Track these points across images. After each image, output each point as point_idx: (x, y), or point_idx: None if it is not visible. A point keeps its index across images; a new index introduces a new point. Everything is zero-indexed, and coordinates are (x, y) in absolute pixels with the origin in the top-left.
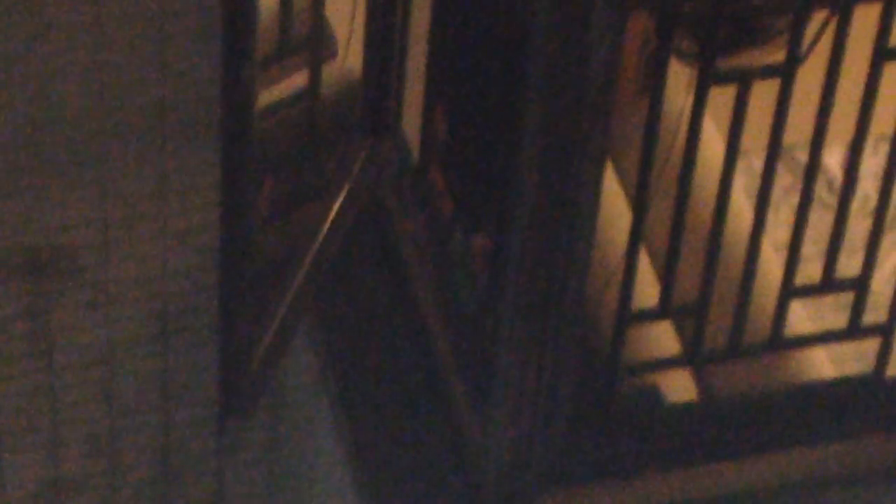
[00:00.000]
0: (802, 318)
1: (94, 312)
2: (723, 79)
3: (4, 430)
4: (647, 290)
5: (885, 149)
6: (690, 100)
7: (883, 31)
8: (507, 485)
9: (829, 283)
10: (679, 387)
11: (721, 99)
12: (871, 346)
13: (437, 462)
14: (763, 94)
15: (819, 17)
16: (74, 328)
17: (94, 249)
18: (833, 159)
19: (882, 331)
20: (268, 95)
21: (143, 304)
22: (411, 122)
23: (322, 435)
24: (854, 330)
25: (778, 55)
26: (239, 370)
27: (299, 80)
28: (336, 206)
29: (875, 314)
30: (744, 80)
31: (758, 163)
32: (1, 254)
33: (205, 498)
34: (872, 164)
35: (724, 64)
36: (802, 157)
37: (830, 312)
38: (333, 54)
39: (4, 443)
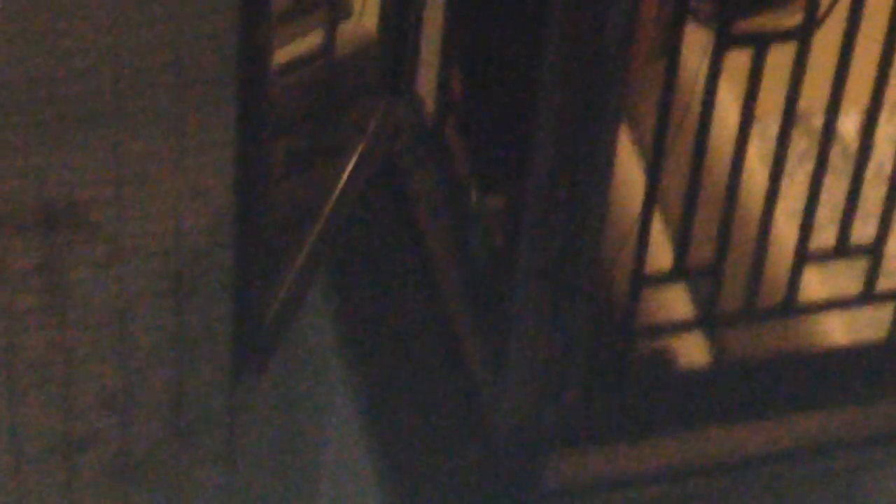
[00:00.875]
0: (816, 283)
1: (107, 269)
2: (739, 42)
3: (17, 385)
4: (662, 253)
5: None
6: (707, 62)
7: None
8: (520, 444)
9: (843, 249)
10: (692, 350)
11: (737, 62)
12: (884, 312)
13: (451, 421)
14: (779, 59)
15: None
16: (88, 284)
17: (108, 205)
18: (848, 125)
19: None
20: (284, 54)
21: (157, 261)
22: (427, 82)
23: (336, 394)
24: (868, 296)
25: (795, 19)
26: (252, 328)
27: (315, 38)
28: (351, 165)
29: (889, 281)
30: (760, 44)
31: (773, 128)
32: (15, 208)
33: (217, 455)
34: (888, 131)
35: (741, 27)
36: (818, 122)
37: (844, 279)
38: (349, 13)
39: (17, 397)
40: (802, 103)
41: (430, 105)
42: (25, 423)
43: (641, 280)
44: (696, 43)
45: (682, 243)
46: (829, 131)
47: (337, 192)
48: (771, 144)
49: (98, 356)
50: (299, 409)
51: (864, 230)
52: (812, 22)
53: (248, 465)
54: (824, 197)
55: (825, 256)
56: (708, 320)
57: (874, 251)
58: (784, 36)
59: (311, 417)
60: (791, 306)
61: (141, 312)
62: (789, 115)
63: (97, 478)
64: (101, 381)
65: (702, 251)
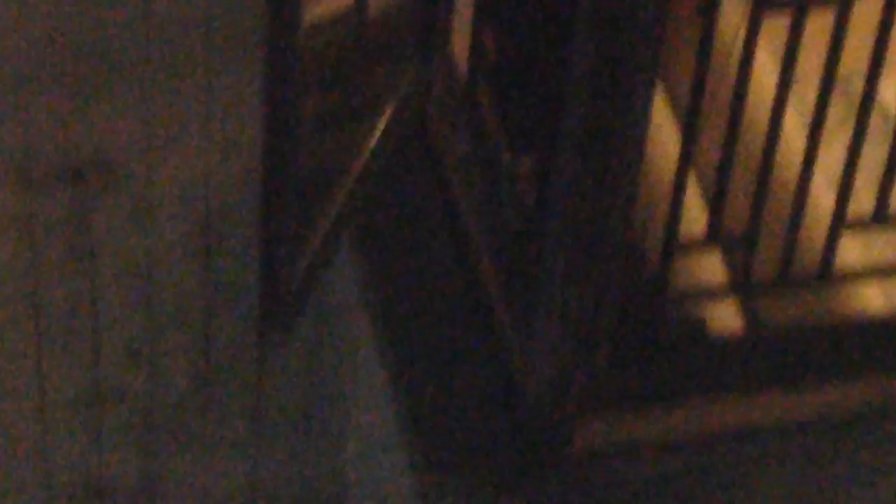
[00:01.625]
0: (853, 251)
1: (136, 223)
2: (778, 5)
3: (45, 339)
4: (695, 219)
5: None
6: (745, 25)
7: None
8: (548, 410)
9: (881, 217)
10: (726, 316)
11: (777, 23)
12: None
13: (480, 383)
14: (820, 21)
15: None
16: (116, 238)
17: (137, 159)
18: (889, 90)
19: None
20: (315, 10)
21: (185, 216)
22: (461, 41)
23: (363, 354)
24: None
25: None
26: (280, 284)
27: None
28: (383, 123)
29: None
30: (800, 7)
31: (812, 92)
32: (45, 161)
33: (243, 411)
34: None
35: None
36: (858, 87)
37: (882, 246)
38: None
39: (44, 350)
40: (842, 67)
41: (463, 65)
42: (51, 376)
43: (674, 247)
44: (735, 2)
45: (716, 209)
46: (868, 96)
47: (367, 151)
48: (809, 109)
49: (125, 310)
50: (326, 367)
51: None
52: None
53: (274, 421)
54: (863, 163)
55: (863, 223)
56: (741, 287)
57: None
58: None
59: (337, 375)
60: (827, 274)
61: (168, 267)
62: (828, 80)
63: (123, 430)
64: (127, 335)
65: (738, 214)
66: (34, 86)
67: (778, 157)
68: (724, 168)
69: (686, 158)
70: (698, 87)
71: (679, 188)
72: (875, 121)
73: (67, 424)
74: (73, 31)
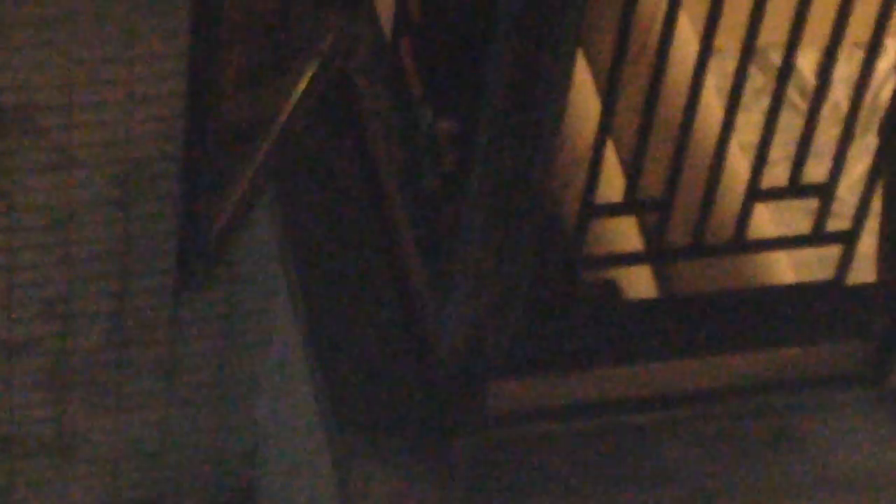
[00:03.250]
0: (767, 221)
1: (54, 175)
2: None
3: None
4: (614, 185)
5: (859, 56)
6: None
7: None
8: (461, 370)
9: (795, 188)
10: (639, 282)
11: None
12: (833, 252)
13: (393, 345)
14: None
15: None
16: (34, 189)
17: (57, 111)
18: (807, 63)
19: (845, 238)
20: None
21: (104, 170)
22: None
23: (278, 310)
24: (817, 236)
25: None
26: (197, 241)
27: None
28: (305, 81)
29: (839, 221)
30: None
31: (731, 62)
32: None
33: (157, 367)
34: (845, 71)
35: None
36: (776, 58)
37: (795, 217)
38: None
39: None
40: (761, 38)
41: (387, 24)
42: None
43: (591, 210)
44: None
45: (633, 176)
46: (786, 68)
47: (289, 107)
48: (728, 78)
49: (41, 263)
50: (240, 324)
51: (816, 170)
52: None
53: (187, 377)
54: (779, 134)
55: (777, 194)
56: (655, 254)
57: (825, 191)
58: None
59: (252, 333)
60: (740, 243)
61: (86, 220)
62: (747, 51)
63: (34, 382)
64: (42, 288)
65: (654, 181)
66: None
67: (696, 127)
68: (642, 135)
69: (605, 125)
70: (619, 55)
71: (597, 154)
72: (792, 92)
73: None
74: None
